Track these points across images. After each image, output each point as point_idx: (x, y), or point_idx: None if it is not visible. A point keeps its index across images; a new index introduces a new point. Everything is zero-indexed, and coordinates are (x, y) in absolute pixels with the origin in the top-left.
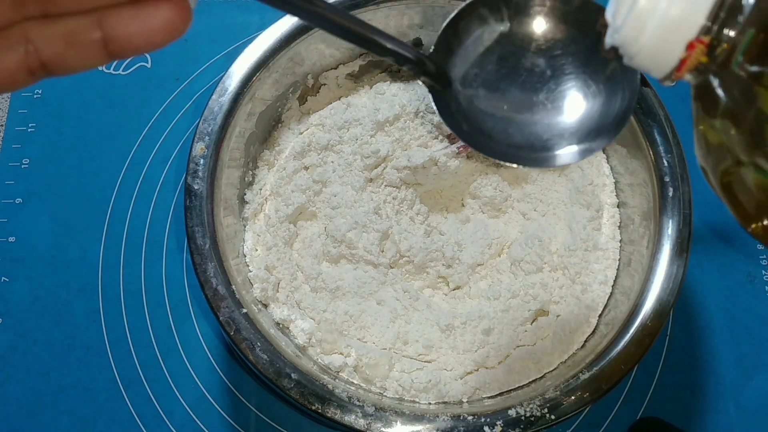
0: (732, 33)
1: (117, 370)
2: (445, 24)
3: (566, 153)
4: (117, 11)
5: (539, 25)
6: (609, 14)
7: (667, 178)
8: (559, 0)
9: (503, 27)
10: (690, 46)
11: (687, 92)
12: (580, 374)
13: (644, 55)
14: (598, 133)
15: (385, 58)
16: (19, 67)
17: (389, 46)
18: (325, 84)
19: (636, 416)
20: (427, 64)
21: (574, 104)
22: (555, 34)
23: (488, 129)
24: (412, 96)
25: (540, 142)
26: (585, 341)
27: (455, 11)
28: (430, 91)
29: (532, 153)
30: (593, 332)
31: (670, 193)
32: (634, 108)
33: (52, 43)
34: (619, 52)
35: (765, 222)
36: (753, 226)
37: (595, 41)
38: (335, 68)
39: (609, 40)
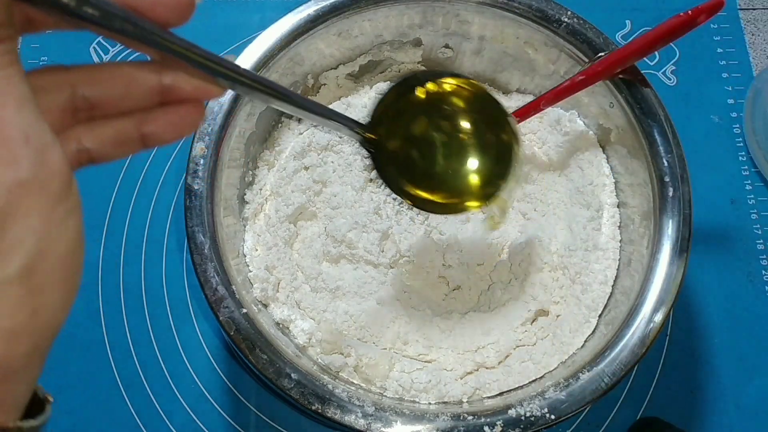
0: None
1: (117, 370)
2: (377, 101)
3: (470, 201)
4: (152, 114)
5: (450, 102)
6: None
7: (667, 178)
8: (468, 86)
9: (422, 101)
10: None
11: (687, 92)
12: (580, 374)
13: None
14: (492, 182)
15: (333, 128)
16: (71, 162)
17: (336, 119)
18: (325, 84)
19: (636, 416)
20: (360, 132)
21: (474, 160)
22: (462, 109)
23: (412, 180)
24: None
25: (450, 191)
26: (585, 341)
27: (386, 91)
28: (368, 152)
29: (443, 201)
30: (593, 332)
31: (670, 193)
32: (515, 167)
33: (101, 143)
34: None
35: None
36: None
37: (490, 117)
38: (335, 68)
39: None
